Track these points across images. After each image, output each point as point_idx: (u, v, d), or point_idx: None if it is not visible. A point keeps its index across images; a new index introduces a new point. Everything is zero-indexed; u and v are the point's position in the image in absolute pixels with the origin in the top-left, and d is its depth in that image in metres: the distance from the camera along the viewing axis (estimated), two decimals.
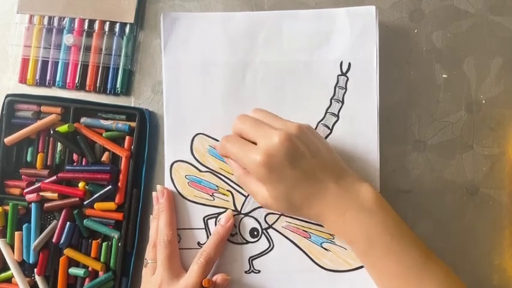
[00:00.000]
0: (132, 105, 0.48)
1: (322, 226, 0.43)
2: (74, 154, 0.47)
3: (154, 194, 0.45)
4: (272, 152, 0.38)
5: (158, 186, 0.45)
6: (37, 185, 0.46)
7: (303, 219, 0.44)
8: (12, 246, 0.46)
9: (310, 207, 0.39)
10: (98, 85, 0.48)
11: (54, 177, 0.46)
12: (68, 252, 0.46)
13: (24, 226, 0.46)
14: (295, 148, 0.38)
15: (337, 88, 0.45)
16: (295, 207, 0.40)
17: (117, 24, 0.48)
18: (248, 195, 0.45)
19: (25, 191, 0.46)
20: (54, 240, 0.46)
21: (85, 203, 0.46)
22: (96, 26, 0.48)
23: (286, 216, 0.45)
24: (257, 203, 0.42)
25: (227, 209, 0.45)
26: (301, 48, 0.46)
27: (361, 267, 0.44)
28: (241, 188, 0.45)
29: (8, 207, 0.46)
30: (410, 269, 0.38)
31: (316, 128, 0.45)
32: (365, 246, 0.39)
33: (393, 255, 0.38)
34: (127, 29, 0.48)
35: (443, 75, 0.47)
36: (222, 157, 0.45)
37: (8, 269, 0.46)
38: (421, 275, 0.38)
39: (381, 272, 0.39)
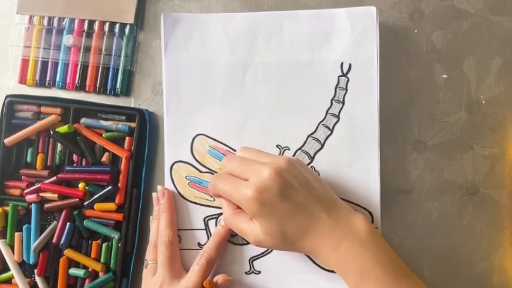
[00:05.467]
0: (132, 105, 0.48)
1: None
2: (74, 155, 0.47)
3: (154, 194, 0.45)
4: (263, 186, 0.37)
5: (159, 187, 0.45)
6: (37, 185, 0.46)
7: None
8: (12, 247, 0.46)
9: (303, 240, 0.38)
10: (97, 86, 0.48)
11: (54, 178, 0.46)
12: (68, 252, 0.46)
13: (24, 227, 0.46)
14: (285, 181, 0.38)
15: (337, 89, 0.45)
16: (289, 241, 0.39)
17: (117, 25, 0.48)
18: None
19: (25, 191, 0.46)
20: (54, 240, 0.46)
21: (85, 203, 0.46)
22: (96, 26, 0.48)
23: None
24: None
25: None
26: (301, 49, 0.46)
27: None
28: None
29: (8, 208, 0.46)
30: None
31: (316, 129, 0.45)
32: (357, 279, 0.38)
33: None
34: (127, 30, 0.48)
35: (443, 75, 0.47)
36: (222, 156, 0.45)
37: (8, 269, 0.46)
38: None
39: None
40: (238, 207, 0.41)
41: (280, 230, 0.38)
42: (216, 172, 0.45)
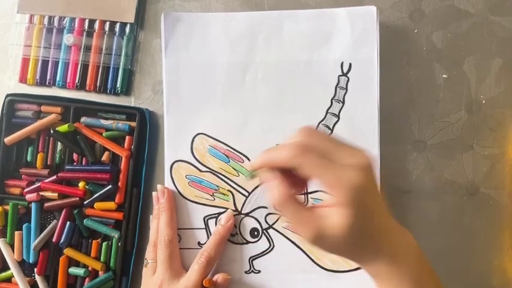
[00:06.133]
0: (132, 105, 0.48)
1: None
2: (74, 154, 0.47)
3: (154, 193, 0.45)
4: (367, 172, 0.32)
5: (159, 186, 0.45)
6: (37, 184, 0.46)
7: None
8: (12, 246, 0.46)
9: (381, 243, 0.34)
10: (98, 85, 0.48)
11: (54, 177, 0.46)
12: (68, 251, 0.46)
13: (24, 226, 0.46)
14: (373, 175, 0.34)
15: (337, 88, 0.45)
16: (364, 242, 0.33)
17: (117, 24, 0.48)
18: (249, 194, 0.45)
19: (25, 190, 0.46)
20: (54, 239, 0.46)
21: (85, 202, 0.46)
22: (97, 25, 0.48)
23: None
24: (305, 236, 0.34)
25: (227, 209, 0.45)
26: (301, 48, 0.46)
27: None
28: (241, 187, 0.45)
29: (8, 207, 0.46)
30: None
31: (316, 128, 0.45)
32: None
33: None
34: (127, 29, 0.48)
35: (443, 75, 0.47)
36: (224, 158, 0.45)
37: (8, 268, 0.46)
38: None
39: None
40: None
41: (366, 224, 0.33)
42: (216, 172, 0.45)
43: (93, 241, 0.46)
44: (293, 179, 0.34)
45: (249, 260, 0.45)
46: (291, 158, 0.33)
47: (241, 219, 0.45)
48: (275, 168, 0.34)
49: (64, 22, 0.48)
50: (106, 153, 0.47)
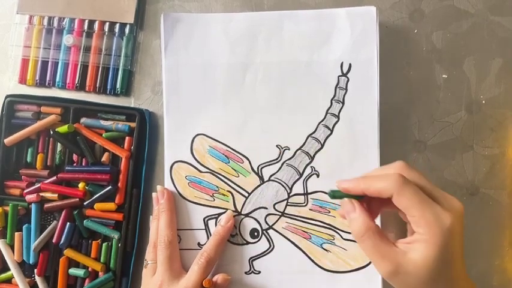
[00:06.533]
0: (132, 105, 0.48)
1: (323, 227, 0.43)
2: (74, 154, 0.47)
3: (154, 194, 0.45)
4: (459, 219, 0.33)
5: (158, 187, 0.45)
6: (37, 185, 0.46)
7: (303, 219, 0.44)
8: (12, 247, 0.46)
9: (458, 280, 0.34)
10: (97, 85, 0.48)
11: (54, 178, 0.46)
12: (68, 252, 0.46)
13: (24, 227, 0.46)
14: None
15: (337, 89, 0.45)
16: (437, 286, 0.33)
17: (117, 25, 0.48)
18: (248, 195, 0.45)
19: (25, 191, 0.46)
20: (54, 240, 0.46)
21: (85, 203, 0.46)
22: (96, 26, 0.48)
23: (286, 217, 0.45)
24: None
25: (227, 209, 0.45)
26: (301, 49, 0.46)
27: (362, 267, 0.44)
28: (241, 188, 0.45)
29: (8, 208, 0.46)
30: None
31: (316, 129, 0.45)
32: None
33: None
34: (127, 30, 0.48)
35: (443, 75, 0.47)
36: (224, 160, 0.45)
37: (8, 269, 0.46)
38: None
39: None
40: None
41: (442, 269, 0.33)
42: (216, 172, 0.45)
43: (93, 242, 0.46)
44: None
45: (249, 260, 0.45)
46: (393, 186, 0.34)
47: (241, 220, 0.45)
48: (369, 195, 0.35)
49: (64, 23, 0.48)
50: (106, 154, 0.47)
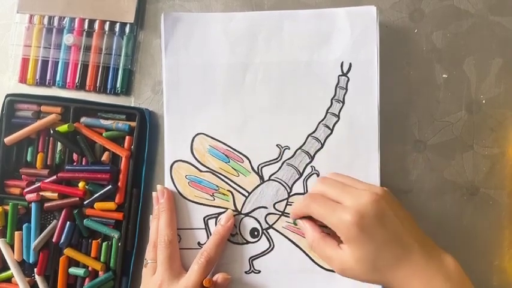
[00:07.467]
0: (132, 105, 0.48)
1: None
2: (74, 154, 0.47)
3: (154, 194, 0.45)
4: (363, 210, 0.37)
5: (158, 186, 0.45)
6: (37, 184, 0.46)
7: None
8: (12, 246, 0.46)
9: (394, 272, 0.37)
10: (98, 85, 0.48)
11: (54, 177, 0.46)
12: (68, 252, 0.46)
13: (24, 226, 0.46)
14: (383, 209, 0.37)
15: (337, 88, 0.45)
16: (378, 272, 0.37)
17: (117, 24, 0.48)
18: (249, 194, 0.45)
19: (25, 190, 0.46)
20: (54, 240, 0.46)
21: (85, 202, 0.46)
22: (96, 25, 0.48)
23: (287, 216, 0.45)
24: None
25: (227, 209, 0.45)
26: (301, 49, 0.46)
27: None
28: (241, 187, 0.45)
29: (8, 207, 0.46)
30: None
31: (316, 128, 0.45)
32: None
33: None
34: (127, 29, 0.48)
35: (443, 75, 0.47)
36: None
37: (8, 268, 0.46)
38: None
39: None
40: (323, 232, 0.41)
41: (374, 258, 0.37)
42: (216, 172, 0.45)
43: (93, 241, 0.46)
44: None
45: (249, 260, 0.45)
46: (303, 207, 0.41)
47: (241, 219, 0.45)
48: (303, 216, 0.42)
49: (64, 22, 0.48)
50: (106, 153, 0.47)
